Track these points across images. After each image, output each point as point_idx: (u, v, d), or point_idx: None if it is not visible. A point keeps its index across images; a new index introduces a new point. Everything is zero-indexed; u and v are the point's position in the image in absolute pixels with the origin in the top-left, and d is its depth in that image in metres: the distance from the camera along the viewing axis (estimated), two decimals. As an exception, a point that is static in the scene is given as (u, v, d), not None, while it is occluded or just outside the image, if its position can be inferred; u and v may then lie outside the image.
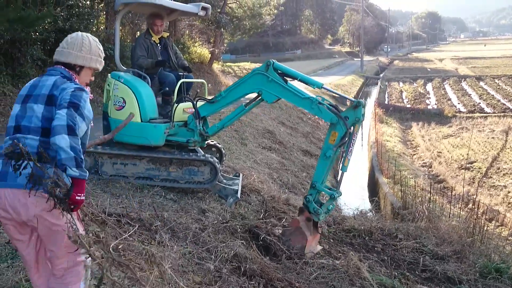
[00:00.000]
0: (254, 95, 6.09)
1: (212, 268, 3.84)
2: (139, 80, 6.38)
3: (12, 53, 13.21)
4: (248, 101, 6.30)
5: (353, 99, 5.48)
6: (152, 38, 6.76)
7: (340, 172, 5.64)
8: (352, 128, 5.32)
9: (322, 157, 5.48)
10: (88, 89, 2.91)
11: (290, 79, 5.79)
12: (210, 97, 6.57)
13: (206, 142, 6.86)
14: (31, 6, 13.34)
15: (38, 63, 14.06)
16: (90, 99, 2.82)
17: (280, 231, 5.80)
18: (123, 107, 6.26)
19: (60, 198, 2.47)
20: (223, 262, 4.12)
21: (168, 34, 7.08)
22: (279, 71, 5.73)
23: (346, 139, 5.30)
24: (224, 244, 4.63)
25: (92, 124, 2.90)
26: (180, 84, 6.36)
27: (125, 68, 6.73)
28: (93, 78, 3.09)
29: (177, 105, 6.33)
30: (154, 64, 6.59)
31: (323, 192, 5.58)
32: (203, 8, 6.61)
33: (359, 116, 5.22)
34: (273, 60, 5.78)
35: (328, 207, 5.50)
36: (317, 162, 5.66)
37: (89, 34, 3.03)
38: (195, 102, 6.27)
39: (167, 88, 6.43)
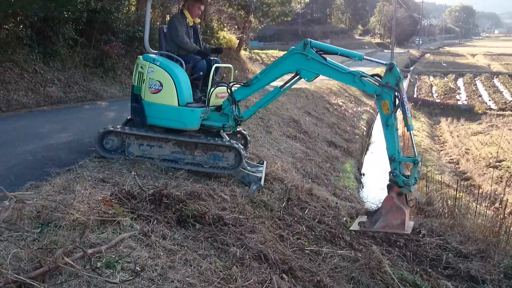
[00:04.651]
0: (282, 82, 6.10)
1: (238, 253, 3.85)
2: (175, 64, 6.38)
3: (44, 31, 13.41)
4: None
5: (385, 63, 5.80)
6: (187, 20, 6.74)
7: (408, 133, 6.17)
8: (397, 88, 5.65)
9: (385, 128, 5.75)
10: None
11: (327, 55, 5.94)
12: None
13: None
14: (65, -15, 13.49)
15: (69, 42, 14.24)
16: None
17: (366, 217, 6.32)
18: (160, 90, 6.23)
19: None
20: (246, 248, 4.13)
21: (199, 20, 7.06)
22: (317, 49, 5.86)
23: (398, 101, 5.65)
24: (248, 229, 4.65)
25: None
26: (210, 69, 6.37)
27: (154, 51, 6.69)
28: None
29: (213, 90, 6.35)
30: (195, 51, 6.60)
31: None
32: None
33: (398, 75, 5.62)
34: (310, 39, 5.90)
35: (414, 175, 5.77)
36: (384, 136, 5.85)
37: None
38: (230, 87, 6.32)
39: (201, 73, 6.49)
